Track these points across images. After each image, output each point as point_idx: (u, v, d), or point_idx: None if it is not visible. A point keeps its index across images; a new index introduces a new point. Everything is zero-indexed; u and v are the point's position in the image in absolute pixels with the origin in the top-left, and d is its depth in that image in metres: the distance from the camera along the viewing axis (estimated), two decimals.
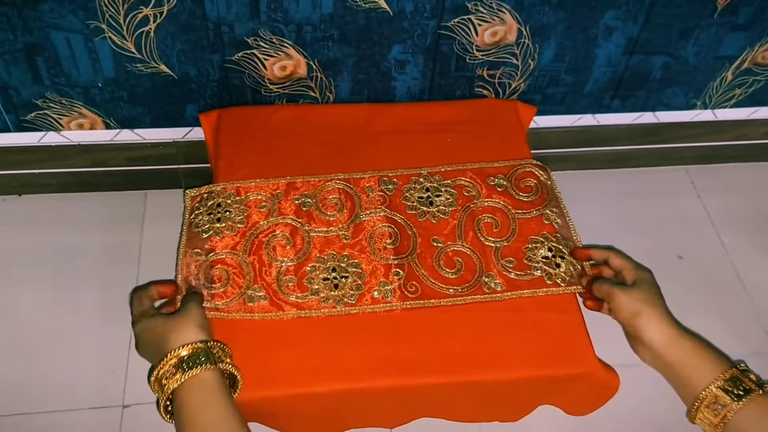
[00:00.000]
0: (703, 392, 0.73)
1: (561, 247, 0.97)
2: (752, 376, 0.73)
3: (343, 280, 0.94)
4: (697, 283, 1.25)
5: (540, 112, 1.23)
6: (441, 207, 1.01)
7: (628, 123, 1.28)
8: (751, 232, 1.32)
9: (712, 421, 0.73)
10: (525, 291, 0.93)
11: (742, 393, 0.71)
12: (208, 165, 1.17)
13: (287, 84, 1.14)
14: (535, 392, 0.94)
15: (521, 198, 1.02)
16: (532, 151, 1.23)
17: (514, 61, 1.14)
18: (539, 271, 0.95)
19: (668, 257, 1.27)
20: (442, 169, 1.05)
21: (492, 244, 0.98)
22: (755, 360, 1.16)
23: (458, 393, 0.91)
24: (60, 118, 1.15)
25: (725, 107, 1.28)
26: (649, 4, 1.07)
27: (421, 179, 1.04)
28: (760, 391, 0.72)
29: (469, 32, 1.09)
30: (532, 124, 1.23)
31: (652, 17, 1.09)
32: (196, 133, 1.21)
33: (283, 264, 0.95)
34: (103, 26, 1.01)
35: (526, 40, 1.11)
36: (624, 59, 1.16)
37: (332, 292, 0.93)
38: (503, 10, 1.06)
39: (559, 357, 0.89)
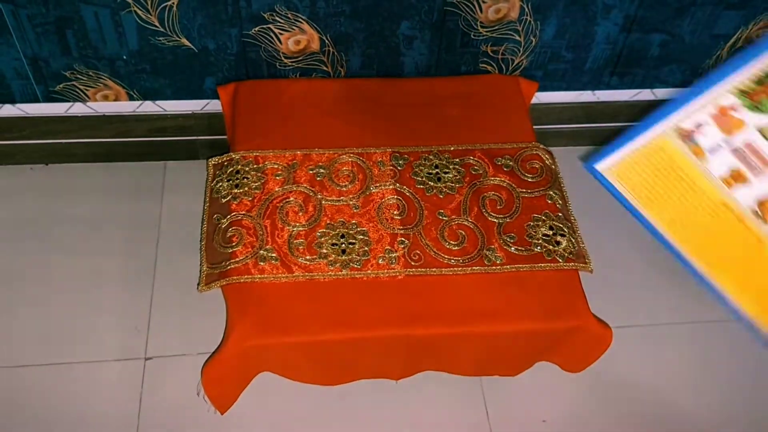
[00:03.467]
0: None
1: (562, 225, 1.03)
2: None
3: (351, 246, 1.00)
4: None
5: (541, 88, 1.28)
6: (449, 183, 1.07)
7: (627, 99, 1.33)
8: None
9: None
10: (524, 265, 0.99)
11: None
12: (225, 137, 1.24)
13: (301, 58, 1.20)
14: (532, 346, 1.00)
15: (526, 178, 1.08)
16: (535, 126, 1.29)
17: (517, 38, 1.20)
18: (539, 248, 1.01)
19: None
20: (452, 148, 1.11)
21: (495, 220, 1.03)
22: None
23: (459, 345, 0.98)
24: (86, 90, 1.21)
25: None
26: None
27: (431, 156, 1.10)
28: None
29: (473, 9, 1.14)
30: (534, 100, 1.29)
31: None
32: (214, 106, 1.27)
33: (295, 228, 1.01)
34: (129, 1, 1.07)
35: (528, 17, 1.16)
36: (622, 37, 1.21)
37: (340, 257, 0.99)
38: None
39: (555, 311, 0.95)
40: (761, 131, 0.66)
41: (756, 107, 0.66)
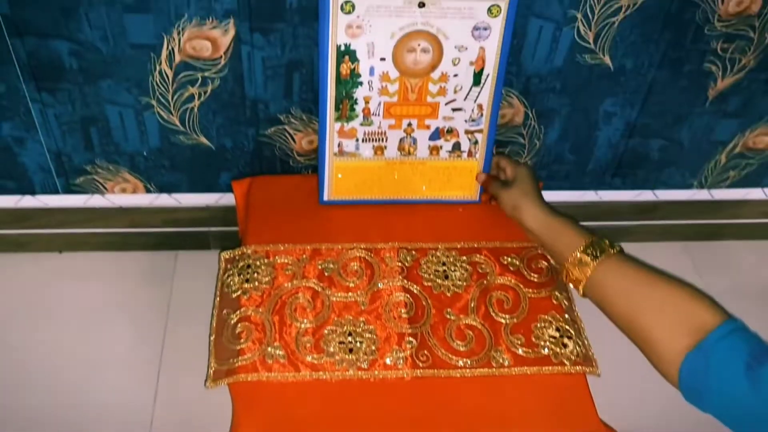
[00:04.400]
0: (570, 257, 0.94)
1: (569, 327, 1.04)
2: (607, 242, 0.93)
3: (358, 344, 1.01)
4: None
5: (546, 187, 1.32)
6: (456, 281, 1.09)
7: (629, 200, 1.37)
8: (751, 308, 1.38)
9: (578, 278, 0.93)
10: (531, 368, 1.00)
11: (598, 254, 0.92)
12: (236, 229, 1.27)
13: (313, 156, 1.25)
14: None
15: (533, 278, 1.10)
16: None
17: (522, 141, 1.25)
18: (546, 350, 1.02)
19: None
20: (459, 245, 1.14)
21: (502, 320, 1.05)
22: None
23: None
24: (105, 183, 1.26)
25: (721, 187, 1.37)
26: (645, 92, 1.18)
27: (438, 253, 1.13)
28: (613, 251, 0.92)
29: None
30: None
31: (648, 105, 1.20)
32: (228, 199, 1.31)
33: (303, 325, 1.03)
34: (153, 102, 1.13)
35: (533, 122, 1.21)
36: (623, 141, 1.26)
37: (347, 356, 1.00)
38: (511, 95, 1.17)
39: (563, 417, 0.95)
40: None
41: None
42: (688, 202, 1.39)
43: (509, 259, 1.12)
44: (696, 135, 1.26)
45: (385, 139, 1.13)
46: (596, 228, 1.43)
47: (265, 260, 1.10)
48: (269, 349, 1.00)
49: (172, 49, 1.05)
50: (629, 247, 1.46)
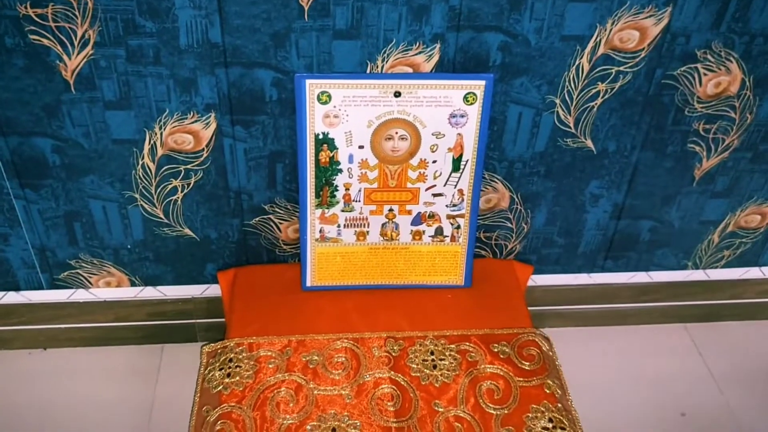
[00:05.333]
0: None
1: (562, 417, 1.00)
2: None
3: None
4: None
5: (537, 271, 1.30)
6: (444, 371, 1.06)
7: (624, 282, 1.34)
8: (755, 389, 1.33)
9: None
10: None
11: None
12: (224, 320, 1.24)
13: (299, 245, 1.23)
14: None
15: (524, 366, 1.06)
16: (533, 308, 1.29)
17: (509, 225, 1.23)
18: None
19: (671, 414, 1.28)
20: (447, 333, 1.11)
21: (493, 411, 1.01)
22: None
23: None
24: (90, 277, 1.24)
25: (716, 267, 1.34)
26: (630, 174, 1.18)
27: (427, 342, 1.10)
28: None
29: None
30: (531, 282, 1.30)
31: (634, 186, 1.19)
32: (214, 290, 1.29)
33: (285, 421, 0.99)
34: (137, 195, 1.13)
35: (519, 206, 1.21)
36: (612, 223, 1.24)
37: None
38: (496, 180, 1.17)
39: None
40: None
41: None
42: (684, 283, 1.36)
43: (499, 347, 1.09)
44: (686, 215, 1.24)
45: (367, 225, 1.13)
46: (592, 311, 1.40)
47: (248, 353, 1.07)
48: None
49: (155, 143, 1.06)
50: (628, 330, 1.43)
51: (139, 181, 1.11)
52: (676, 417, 1.28)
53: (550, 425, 0.99)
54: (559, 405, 1.01)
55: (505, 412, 1.00)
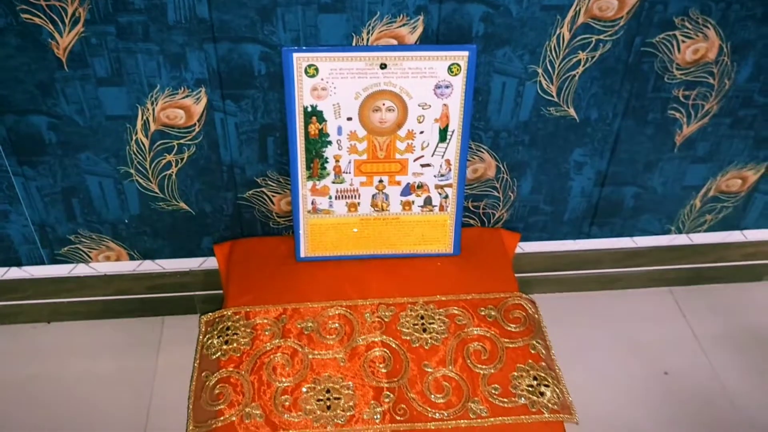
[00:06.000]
0: None
1: (546, 375, 1.04)
2: None
3: (336, 401, 1.01)
4: (684, 399, 1.28)
5: (524, 238, 1.34)
6: (434, 334, 1.09)
7: (609, 248, 1.38)
8: (737, 349, 1.37)
9: None
10: (509, 418, 0.99)
11: None
12: (221, 292, 1.28)
13: (292, 217, 1.27)
14: None
15: (510, 328, 1.10)
16: (520, 275, 1.32)
17: (496, 194, 1.27)
18: (523, 399, 1.01)
19: (654, 374, 1.32)
20: (437, 299, 1.15)
21: (480, 371, 1.05)
22: None
23: None
24: (90, 252, 1.28)
25: (699, 231, 1.38)
26: (612, 141, 1.21)
27: (417, 307, 1.13)
28: None
29: None
30: (518, 249, 1.33)
31: (617, 153, 1.22)
32: (211, 263, 1.32)
33: (281, 384, 1.03)
34: (132, 171, 1.16)
35: (505, 176, 1.24)
36: (596, 190, 1.28)
37: (325, 413, 1.00)
38: (482, 150, 1.20)
39: None
40: None
41: None
42: (668, 248, 1.40)
43: (486, 311, 1.12)
44: (668, 181, 1.27)
45: (357, 196, 1.16)
46: (579, 277, 1.43)
47: (245, 321, 1.11)
48: (247, 409, 1.00)
49: (147, 119, 1.09)
50: (615, 295, 1.47)
51: (133, 156, 1.14)
52: (659, 376, 1.32)
53: (534, 383, 1.03)
54: (544, 364, 1.05)
55: (492, 371, 1.04)
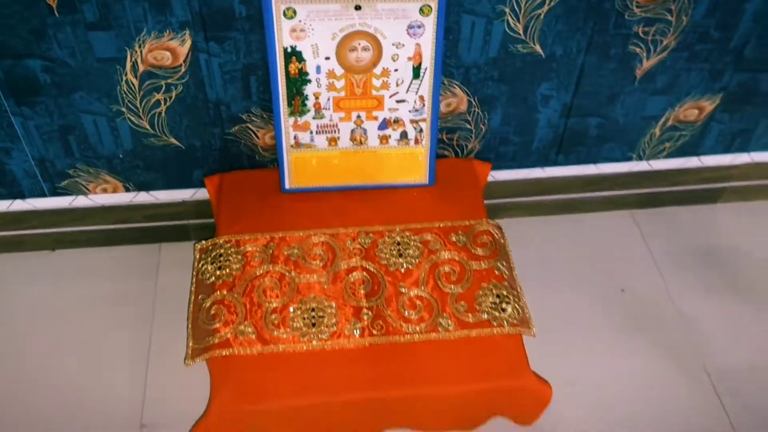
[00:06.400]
0: None
1: (508, 294, 1.15)
2: None
3: (320, 319, 1.13)
4: (638, 315, 1.41)
5: (495, 167, 1.43)
6: (409, 258, 1.20)
7: (574, 174, 1.47)
8: (690, 268, 1.49)
9: None
10: (473, 331, 1.11)
11: None
12: (213, 220, 1.38)
13: (276, 150, 1.35)
14: (482, 404, 1.11)
15: (477, 252, 1.21)
16: (492, 201, 1.41)
17: (468, 126, 1.35)
18: (486, 315, 1.13)
19: (612, 291, 1.44)
20: (412, 226, 1.25)
21: (449, 291, 1.16)
22: (694, 387, 1.32)
23: (417, 405, 1.09)
24: (87, 184, 1.36)
25: (659, 158, 1.47)
26: (577, 76, 1.28)
27: (394, 234, 1.23)
28: None
29: None
30: (490, 177, 1.43)
31: (581, 87, 1.30)
32: (203, 194, 1.41)
33: (270, 305, 1.14)
34: (123, 109, 1.23)
35: (476, 109, 1.31)
36: (562, 121, 1.36)
37: (310, 329, 1.11)
38: (454, 86, 1.27)
39: (498, 372, 1.07)
40: None
41: None
42: (629, 174, 1.49)
43: (457, 236, 1.23)
44: (629, 112, 1.36)
45: (337, 131, 1.24)
46: (546, 202, 1.54)
47: (236, 249, 1.21)
48: (240, 327, 1.11)
49: (136, 60, 1.16)
50: (580, 219, 1.58)
51: (124, 95, 1.21)
52: (615, 293, 1.44)
53: (497, 300, 1.14)
54: (506, 284, 1.17)
55: (460, 290, 1.16)
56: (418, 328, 1.11)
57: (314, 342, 1.10)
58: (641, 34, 1.23)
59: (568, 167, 1.45)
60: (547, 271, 1.46)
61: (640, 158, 1.46)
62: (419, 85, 1.19)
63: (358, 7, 1.10)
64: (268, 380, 1.06)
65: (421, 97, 1.21)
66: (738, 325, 1.40)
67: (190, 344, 1.12)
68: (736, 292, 1.45)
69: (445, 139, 1.37)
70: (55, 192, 1.37)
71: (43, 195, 1.37)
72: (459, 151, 1.40)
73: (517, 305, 1.14)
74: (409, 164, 1.29)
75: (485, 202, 1.30)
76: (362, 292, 1.16)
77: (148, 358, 1.35)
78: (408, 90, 1.20)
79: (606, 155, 1.44)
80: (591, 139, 1.40)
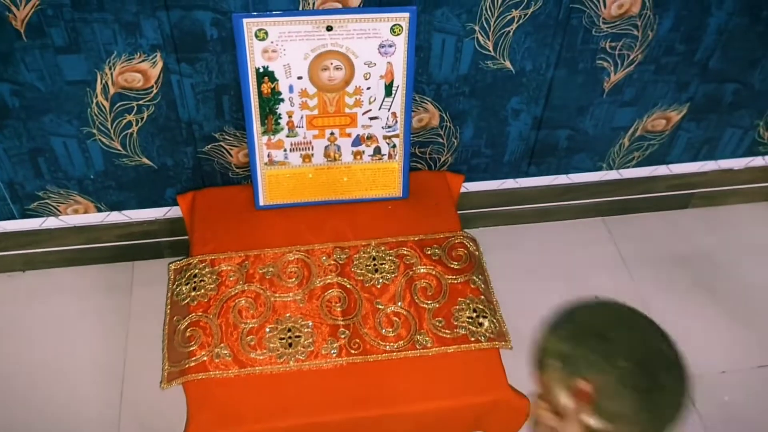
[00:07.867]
0: None
1: (484, 307, 1.16)
2: None
3: (297, 339, 1.13)
4: None
5: (468, 179, 1.44)
6: (385, 274, 1.21)
7: (546, 184, 1.50)
8: (659, 270, 1.52)
9: None
10: (450, 347, 1.12)
11: None
12: (187, 237, 1.37)
13: (249, 167, 1.35)
14: (461, 419, 1.12)
15: (453, 265, 1.22)
16: (466, 211, 1.43)
17: (440, 140, 1.36)
18: (463, 330, 1.14)
19: (585, 296, 1.46)
20: (387, 240, 1.25)
21: (426, 306, 1.17)
22: None
23: (398, 423, 1.10)
24: (58, 206, 1.35)
25: (628, 167, 1.50)
26: (546, 89, 1.30)
27: (370, 249, 1.24)
28: None
29: None
30: (463, 189, 1.44)
31: (551, 100, 1.32)
32: (176, 212, 1.40)
33: (247, 325, 1.14)
34: (94, 131, 1.22)
35: (448, 123, 1.33)
36: (533, 133, 1.38)
37: (287, 350, 1.12)
38: (426, 101, 1.28)
39: (477, 388, 1.08)
40: None
41: None
42: (600, 183, 1.52)
43: (432, 250, 1.24)
44: (598, 123, 1.38)
45: (311, 148, 1.24)
46: (519, 211, 1.55)
47: (210, 268, 1.20)
48: (216, 349, 1.11)
49: (106, 82, 1.14)
50: (552, 227, 1.60)
51: (95, 117, 1.20)
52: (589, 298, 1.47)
53: (474, 315, 1.16)
54: (483, 297, 1.18)
55: (436, 305, 1.17)
56: (395, 346, 1.12)
57: (291, 363, 1.10)
58: (608, 49, 1.25)
59: (540, 178, 1.48)
60: (520, 280, 1.47)
61: (610, 167, 1.49)
62: (392, 102, 1.20)
63: (329, 28, 1.10)
64: (245, 403, 1.07)
65: (394, 114, 1.22)
66: (709, 327, 1.43)
67: (166, 367, 1.11)
68: (707, 294, 1.49)
69: (418, 152, 1.38)
70: (25, 214, 1.35)
71: (12, 217, 1.35)
72: (432, 164, 1.41)
73: (493, 319, 1.15)
74: (383, 178, 1.30)
75: (459, 212, 1.32)
76: (338, 309, 1.16)
77: (123, 378, 1.34)
78: (381, 107, 1.21)
79: (577, 165, 1.47)
80: (562, 151, 1.42)
